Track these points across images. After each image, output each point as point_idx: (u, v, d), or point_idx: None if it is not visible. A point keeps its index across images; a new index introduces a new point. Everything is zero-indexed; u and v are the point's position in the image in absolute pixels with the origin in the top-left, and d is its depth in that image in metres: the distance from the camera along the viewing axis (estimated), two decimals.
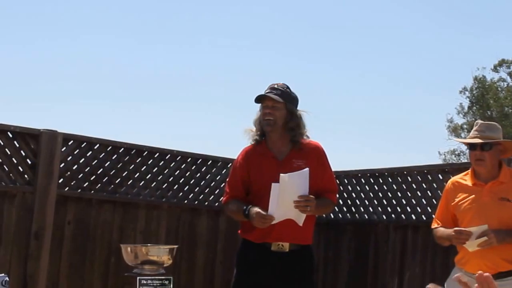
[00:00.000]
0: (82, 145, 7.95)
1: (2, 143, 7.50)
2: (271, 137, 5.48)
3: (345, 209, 9.20)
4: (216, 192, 8.75)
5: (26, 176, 7.62)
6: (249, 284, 5.50)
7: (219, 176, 8.78)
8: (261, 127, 5.48)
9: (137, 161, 8.26)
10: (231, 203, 5.56)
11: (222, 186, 8.57)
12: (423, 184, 8.34)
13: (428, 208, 8.24)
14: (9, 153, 7.55)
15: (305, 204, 5.16)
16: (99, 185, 8.01)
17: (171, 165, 8.49)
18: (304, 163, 5.36)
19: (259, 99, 5.48)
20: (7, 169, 7.55)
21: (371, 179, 8.95)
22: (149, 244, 4.48)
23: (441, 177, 8.13)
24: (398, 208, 8.61)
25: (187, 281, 8.33)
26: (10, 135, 7.54)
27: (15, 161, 7.60)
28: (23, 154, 7.63)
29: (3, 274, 3.97)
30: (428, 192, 8.28)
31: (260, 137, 5.52)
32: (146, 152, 8.32)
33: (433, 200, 8.13)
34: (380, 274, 8.51)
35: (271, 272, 5.45)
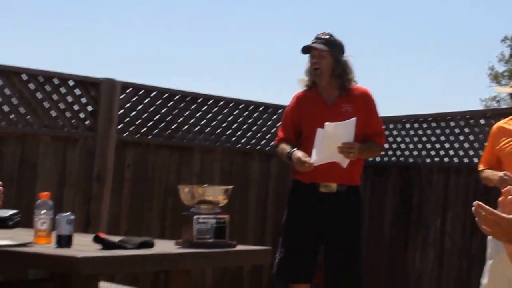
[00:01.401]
0: (140, 93, 8.19)
1: (64, 92, 7.71)
2: (320, 84, 5.76)
3: (390, 152, 9.39)
4: (267, 136, 8.89)
5: (87, 122, 7.83)
6: (299, 223, 5.76)
7: (270, 122, 8.92)
8: (311, 76, 5.79)
9: (192, 107, 8.43)
10: (281, 145, 5.88)
11: (273, 131, 8.75)
12: (465, 129, 8.46)
13: (470, 151, 8.38)
14: (70, 101, 7.81)
15: (348, 151, 5.47)
16: (156, 130, 8.22)
17: (225, 111, 8.64)
18: (351, 107, 5.60)
19: (305, 50, 5.77)
20: (69, 116, 7.80)
21: (415, 124, 9.09)
22: (205, 185, 4.74)
23: (482, 122, 8.30)
24: (441, 151, 8.74)
25: (240, 220, 8.51)
26: (72, 84, 7.74)
27: (76, 109, 7.87)
28: (84, 101, 7.88)
29: (69, 213, 4.21)
30: (470, 136, 8.41)
31: (311, 83, 5.83)
32: (201, 99, 8.48)
33: (475, 144, 8.29)
34: (423, 214, 8.67)
35: (320, 212, 5.71)
